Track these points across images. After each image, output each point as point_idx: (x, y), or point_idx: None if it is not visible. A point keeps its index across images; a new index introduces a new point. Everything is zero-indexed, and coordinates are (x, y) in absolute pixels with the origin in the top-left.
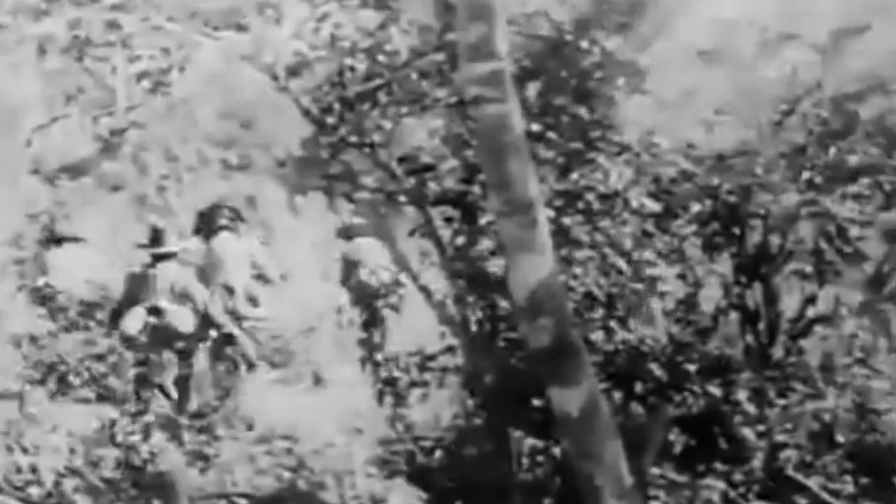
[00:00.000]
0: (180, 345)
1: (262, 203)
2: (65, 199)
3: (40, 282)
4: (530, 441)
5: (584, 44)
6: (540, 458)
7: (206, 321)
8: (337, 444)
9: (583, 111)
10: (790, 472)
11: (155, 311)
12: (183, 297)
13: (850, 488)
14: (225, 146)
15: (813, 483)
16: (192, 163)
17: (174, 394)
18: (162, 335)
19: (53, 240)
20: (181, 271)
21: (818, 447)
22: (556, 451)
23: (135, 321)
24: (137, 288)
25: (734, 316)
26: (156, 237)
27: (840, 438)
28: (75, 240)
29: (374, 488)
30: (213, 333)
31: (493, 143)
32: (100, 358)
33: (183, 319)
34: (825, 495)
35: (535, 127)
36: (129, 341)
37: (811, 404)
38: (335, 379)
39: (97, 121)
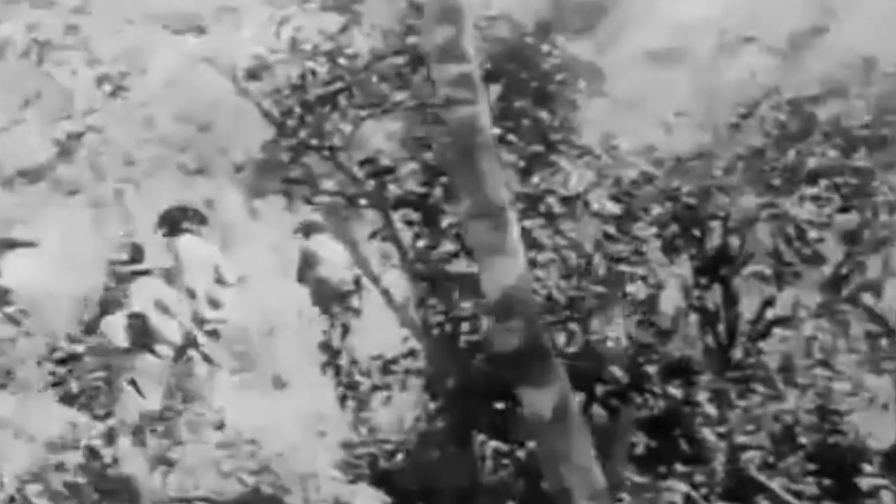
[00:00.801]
0: (163, 349)
1: (220, 206)
2: (22, 203)
3: None
4: (494, 443)
5: (545, 47)
6: (504, 461)
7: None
8: (301, 447)
9: (543, 114)
10: (753, 473)
11: (137, 316)
12: (164, 308)
13: (812, 489)
14: (181, 149)
15: (776, 484)
16: (149, 167)
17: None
18: (145, 340)
19: (6, 245)
20: (160, 286)
21: (780, 448)
22: (521, 453)
23: (117, 327)
24: (113, 297)
25: (694, 318)
26: (136, 254)
27: (802, 440)
28: (28, 245)
29: (339, 492)
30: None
31: (463, 145)
32: (62, 362)
33: (167, 327)
34: (788, 496)
35: (496, 130)
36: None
37: (772, 406)
38: (298, 382)
39: (55, 125)
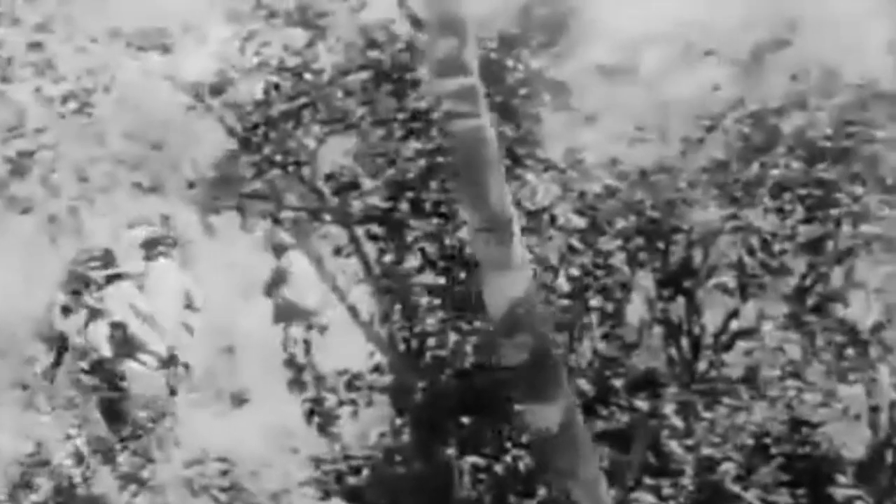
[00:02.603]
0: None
1: (176, 223)
2: None
3: None
4: (471, 459)
5: (510, 61)
6: (481, 476)
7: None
8: (271, 464)
9: (508, 128)
10: (728, 484)
11: (117, 325)
12: (142, 316)
13: (787, 500)
14: (133, 167)
15: (750, 496)
16: (102, 184)
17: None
18: (127, 348)
19: None
20: (136, 292)
21: (752, 460)
22: (498, 468)
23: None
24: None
25: (658, 330)
26: (107, 258)
27: (773, 451)
28: None
29: None
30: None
31: (468, 159)
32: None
33: (150, 336)
34: None
35: None
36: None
37: (740, 417)
38: (259, 399)
39: (6, 143)
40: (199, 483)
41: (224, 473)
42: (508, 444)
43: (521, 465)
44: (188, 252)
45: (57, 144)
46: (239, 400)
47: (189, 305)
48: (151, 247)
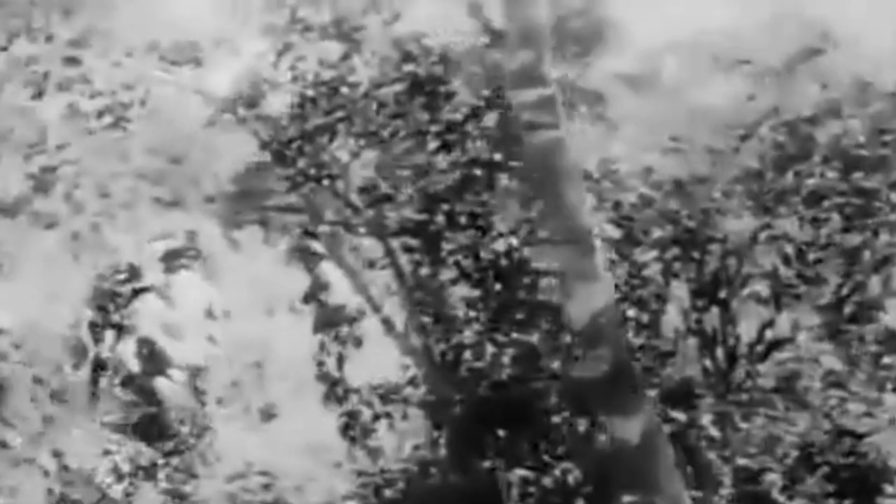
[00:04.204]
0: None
1: (201, 238)
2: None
3: None
4: (521, 472)
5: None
6: (531, 489)
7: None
8: (318, 478)
9: None
10: (775, 495)
11: (145, 342)
12: (172, 329)
13: None
14: (154, 182)
15: None
16: (125, 199)
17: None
18: (156, 364)
19: None
20: (161, 306)
21: (796, 471)
22: (546, 481)
23: (127, 352)
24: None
25: (692, 341)
26: (132, 272)
27: (818, 461)
28: None
29: None
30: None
31: (546, 170)
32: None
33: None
34: None
35: (497, 157)
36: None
37: (776, 427)
38: (292, 412)
39: (28, 159)
40: (241, 498)
41: (266, 487)
42: (546, 457)
43: (571, 479)
44: (211, 266)
45: (80, 160)
46: (267, 414)
47: (211, 315)
48: (172, 259)
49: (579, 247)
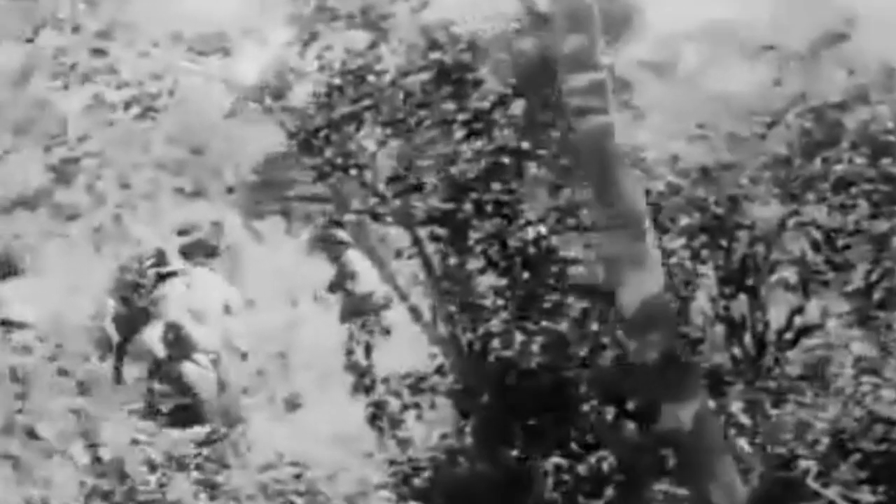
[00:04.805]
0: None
1: (223, 228)
2: (21, 231)
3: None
4: (555, 460)
5: None
6: (565, 477)
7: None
8: (350, 468)
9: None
10: (810, 482)
11: (172, 326)
12: (197, 314)
13: (868, 497)
14: (175, 172)
15: (831, 493)
16: (146, 190)
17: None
18: (182, 349)
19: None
20: (186, 290)
21: (829, 458)
22: (581, 469)
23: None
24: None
25: (720, 328)
26: (160, 258)
27: (850, 447)
28: (16, 273)
29: None
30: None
31: (597, 156)
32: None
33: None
34: None
35: (525, 145)
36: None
37: (806, 413)
38: (317, 402)
39: (49, 151)
40: (273, 488)
41: (297, 477)
42: (574, 446)
43: (605, 466)
44: (234, 256)
45: (101, 151)
46: (292, 404)
47: (228, 311)
48: (192, 250)
49: (632, 231)
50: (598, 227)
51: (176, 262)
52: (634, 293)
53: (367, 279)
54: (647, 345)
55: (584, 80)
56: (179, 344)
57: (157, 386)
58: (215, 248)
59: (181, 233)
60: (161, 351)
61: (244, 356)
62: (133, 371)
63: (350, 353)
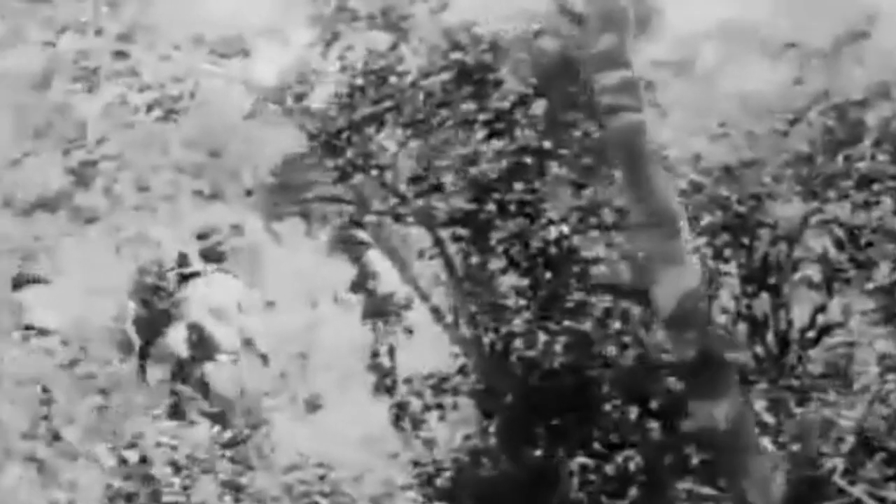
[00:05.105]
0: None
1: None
2: (41, 233)
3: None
4: (580, 460)
5: None
6: (591, 477)
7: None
8: (374, 469)
9: (593, 126)
10: (837, 479)
11: (194, 327)
12: (219, 314)
13: (895, 495)
14: (194, 175)
15: (858, 491)
16: (165, 192)
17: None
18: (204, 349)
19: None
20: (208, 291)
21: (855, 456)
22: (608, 469)
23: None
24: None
25: (743, 326)
26: (182, 260)
27: (875, 445)
28: (38, 281)
29: None
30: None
31: (630, 154)
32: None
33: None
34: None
35: (547, 144)
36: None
37: (830, 412)
38: (338, 403)
39: (68, 154)
40: (298, 489)
41: (322, 478)
42: (597, 445)
43: (632, 465)
44: (254, 258)
45: (120, 154)
46: (313, 405)
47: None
48: (211, 252)
49: (666, 230)
50: (632, 225)
51: (197, 265)
52: (670, 291)
53: (389, 279)
54: (684, 342)
55: (616, 77)
56: (203, 345)
57: (180, 387)
58: (222, 256)
59: (200, 237)
60: (184, 352)
61: (265, 357)
62: (156, 373)
63: (375, 354)
